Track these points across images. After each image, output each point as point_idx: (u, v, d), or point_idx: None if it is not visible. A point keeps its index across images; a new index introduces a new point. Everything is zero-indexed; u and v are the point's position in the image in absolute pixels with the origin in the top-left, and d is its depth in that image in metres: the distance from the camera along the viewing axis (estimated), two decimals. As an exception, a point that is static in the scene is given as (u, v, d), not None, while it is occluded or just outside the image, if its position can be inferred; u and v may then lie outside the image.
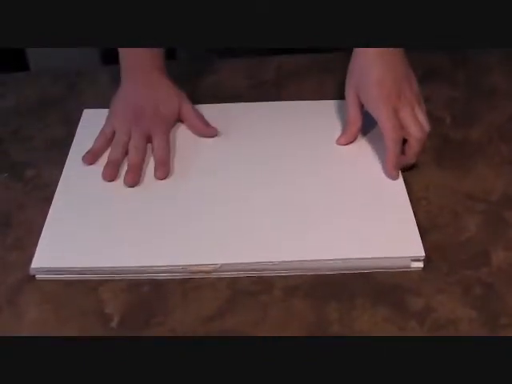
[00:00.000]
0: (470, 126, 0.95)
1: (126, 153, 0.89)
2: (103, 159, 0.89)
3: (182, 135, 0.94)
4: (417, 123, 0.85)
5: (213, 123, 0.94)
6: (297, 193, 0.84)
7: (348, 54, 0.91)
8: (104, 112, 0.95)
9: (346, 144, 0.91)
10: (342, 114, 0.95)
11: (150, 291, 0.74)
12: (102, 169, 0.87)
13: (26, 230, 0.81)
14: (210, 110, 0.97)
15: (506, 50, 1.10)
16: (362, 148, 0.90)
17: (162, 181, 0.86)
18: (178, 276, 0.75)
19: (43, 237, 0.79)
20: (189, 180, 0.86)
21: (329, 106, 0.98)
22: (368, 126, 0.91)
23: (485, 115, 0.97)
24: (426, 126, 0.85)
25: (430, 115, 0.94)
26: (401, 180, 0.84)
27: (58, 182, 0.86)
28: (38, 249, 0.77)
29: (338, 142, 0.91)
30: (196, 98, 0.98)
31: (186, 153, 0.90)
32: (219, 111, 0.97)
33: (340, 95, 0.95)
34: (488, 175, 0.87)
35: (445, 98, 1.00)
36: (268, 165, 0.88)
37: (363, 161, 0.88)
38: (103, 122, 0.93)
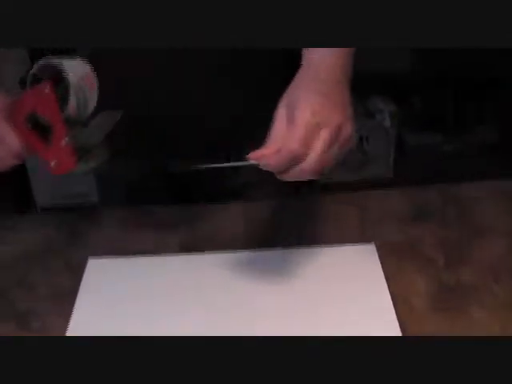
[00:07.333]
0: (463, 267, 0.97)
1: None
2: (109, 307, 0.91)
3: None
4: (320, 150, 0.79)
5: (214, 272, 0.97)
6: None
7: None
8: (108, 261, 0.98)
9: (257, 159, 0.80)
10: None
11: None
12: (108, 319, 0.89)
13: None
14: (212, 259, 0.99)
15: (494, 182, 1.15)
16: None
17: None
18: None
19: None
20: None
21: (328, 253, 1.01)
22: None
23: (477, 255, 1.00)
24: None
25: (423, 256, 0.98)
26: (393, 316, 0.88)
27: (63, 333, 0.87)
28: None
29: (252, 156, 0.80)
30: (195, 244, 1.02)
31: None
32: (221, 260, 0.99)
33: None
34: (483, 318, 0.88)
35: (437, 238, 1.03)
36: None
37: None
38: (108, 272, 0.96)
